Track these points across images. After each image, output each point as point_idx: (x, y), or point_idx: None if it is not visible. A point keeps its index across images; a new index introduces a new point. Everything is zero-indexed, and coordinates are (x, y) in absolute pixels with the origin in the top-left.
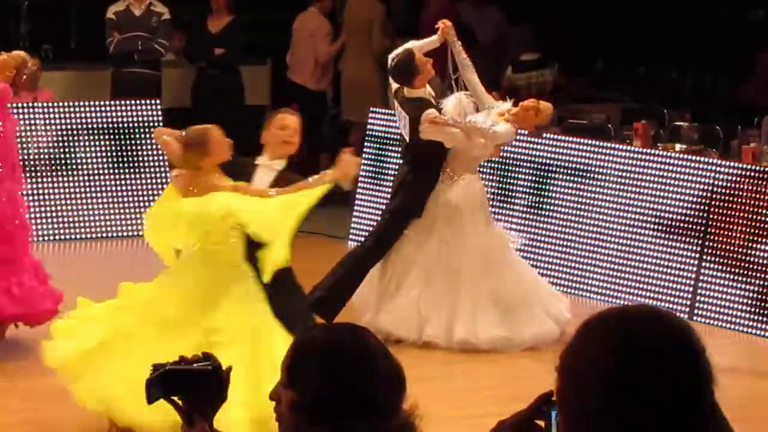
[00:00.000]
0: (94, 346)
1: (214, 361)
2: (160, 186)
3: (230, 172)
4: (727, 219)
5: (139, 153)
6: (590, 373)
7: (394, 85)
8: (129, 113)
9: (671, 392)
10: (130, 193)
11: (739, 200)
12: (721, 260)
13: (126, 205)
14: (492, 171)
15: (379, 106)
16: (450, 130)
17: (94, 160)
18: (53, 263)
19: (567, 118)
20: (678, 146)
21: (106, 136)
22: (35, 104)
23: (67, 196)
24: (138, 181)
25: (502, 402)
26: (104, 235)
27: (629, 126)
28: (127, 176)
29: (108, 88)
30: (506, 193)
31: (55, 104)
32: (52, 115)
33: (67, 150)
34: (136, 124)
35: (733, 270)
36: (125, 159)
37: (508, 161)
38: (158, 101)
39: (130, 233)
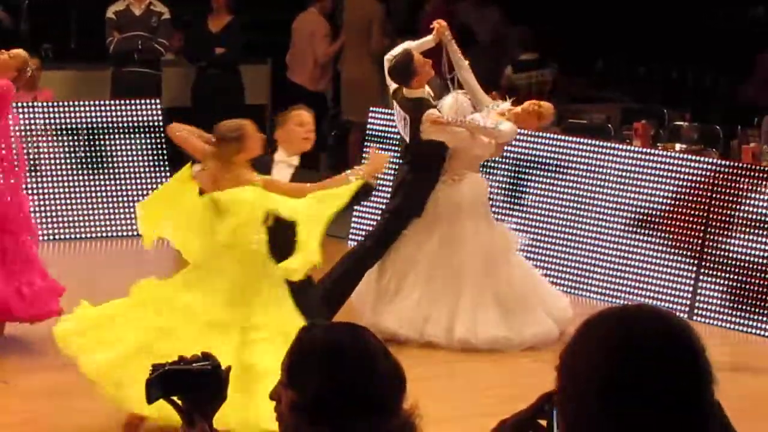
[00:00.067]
0: (133, 351)
1: (214, 361)
2: (160, 185)
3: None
4: (727, 219)
5: (139, 152)
6: (590, 373)
7: (393, 86)
8: (129, 113)
9: (671, 392)
10: (130, 193)
11: (739, 200)
12: (721, 260)
13: (126, 204)
14: (491, 171)
15: (379, 106)
16: (454, 130)
17: (94, 160)
18: (53, 263)
19: (567, 118)
20: (678, 146)
21: (106, 136)
22: (35, 104)
23: (67, 195)
24: (138, 181)
25: (503, 402)
26: (104, 234)
27: (629, 126)
28: (127, 176)
29: (108, 87)
30: (506, 192)
31: (55, 104)
32: (51, 115)
33: (66, 149)
34: (136, 124)
35: (733, 270)
36: (125, 158)
37: (508, 161)
38: (158, 101)
39: (130, 233)
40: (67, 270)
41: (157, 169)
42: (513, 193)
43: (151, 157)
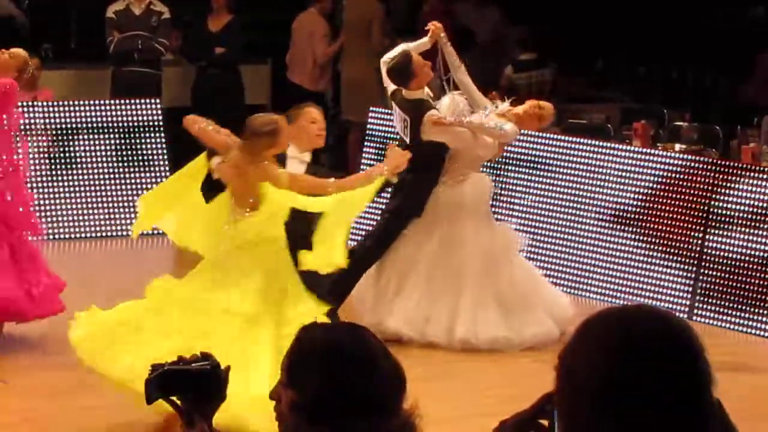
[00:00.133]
0: (169, 355)
1: (213, 361)
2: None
3: None
4: (727, 219)
5: (139, 152)
6: (589, 373)
7: (391, 87)
8: (129, 112)
9: (671, 392)
10: (129, 192)
11: (739, 200)
12: (721, 260)
13: (126, 204)
14: (491, 171)
15: (379, 106)
16: (457, 130)
17: (94, 160)
18: (52, 263)
19: (567, 118)
20: (677, 146)
21: (106, 136)
22: (35, 103)
23: (67, 195)
24: (138, 181)
25: (503, 402)
26: (104, 234)
27: (629, 126)
28: (127, 175)
29: (108, 87)
30: (505, 192)
31: (55, 103)
32: (51, 115)
33: (66, 149)
34: (135, 124)
35: (732, 270)
36: (125, 158)
37: (508, 161)
38: (158, 100)
39: (129, 233)
40: (67, 270)
41: (157, 169)
42: (513, 193)
43: (151, 157)
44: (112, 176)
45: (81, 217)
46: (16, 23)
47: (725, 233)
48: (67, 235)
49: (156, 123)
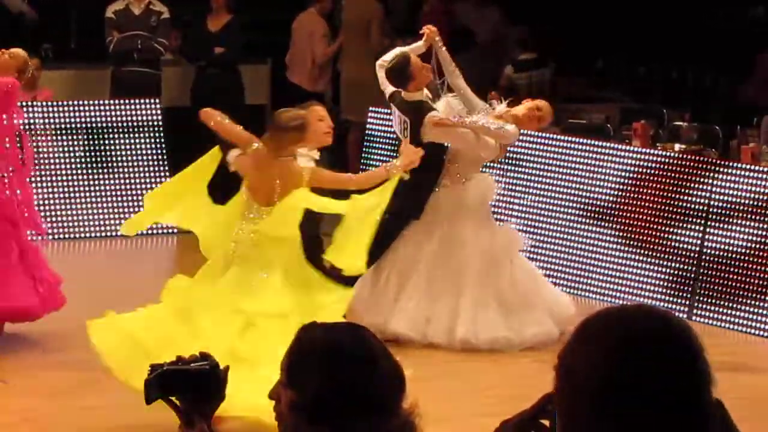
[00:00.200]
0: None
1: (212, 361)
2: (159, 185)
3: None
4: (727, 219)
5: (139, 152)
6: (589, 373)
7: (388, 89)
8: (128, 112)
9: (670, 392)
10: (129, 192)
11: (739, 200)
12: (720, 260)
13: (125, 204)
14: (491, 171)
15: (379, 106)
16: (460, 131)
17: (94, 159)
18: (52, 262)
19: (566, 118)
20: (677, 146)
21: (106, 135)
22: (34, 103)
23: (66, 195)
24: (137, 180)
25: (503, 402)
26: (103, 234)
27: (628, 126)
28: (127, 175)
29: (108, 87)
30: (505, 192)
31: (55, 103)
32: (51, 114)
33: (66, 149)
34: (135, 123)
35: (732, 270)
36: (125, 158)
37: (508, 161)
38: (158, 100)
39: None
40: (66, 270)
41: (156, 168)
42: (512, 193)
43: (150, 157)
44: (111, 176)
45: (81, 217)
46: (27, 20)
47: (725, 233)
48: (66, 235)
49: (155, 123)
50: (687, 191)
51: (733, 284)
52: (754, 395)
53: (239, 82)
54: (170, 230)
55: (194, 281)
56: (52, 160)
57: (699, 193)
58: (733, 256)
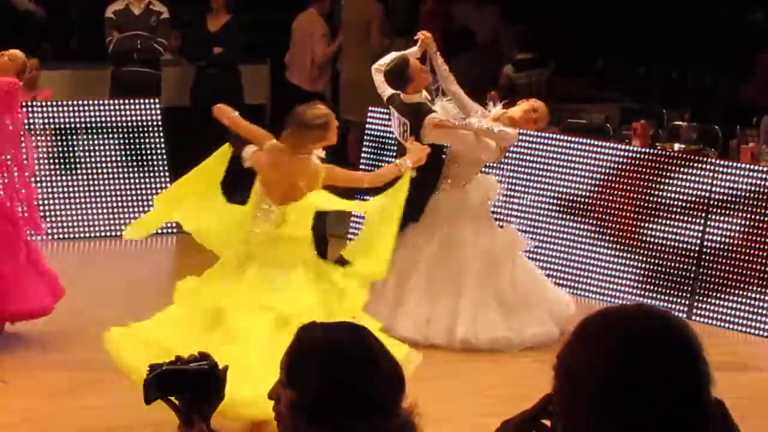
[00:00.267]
0: (253, 358)
1: (211, 361)
2: (159, 185)
3: None
4: (726, 219)
5: (139, 152)
6: (588, 373)
7: (386, 93)
8: (128, 112)
9: (670, 392)
10: (128, 192)
11: (738, 200)
12: (720, 260)
13: (125, 204)
14: (491, 171)
15: (378, 106)
16: (460, 133)
17: (93, 159)
18: (52, 262)
19: (567, 118)
20: (677, 146)
21: (105, 135)
22: (34, 103)
23: (66, 195)
24: (137, 180)
25: (503, 402)
26: (104, 234)
27: (628, 126)
28: (126, 175)
29: (107, 87)
30: (505, 192)
31: (54, 103)
32: (51, 115)
33: (66, 149)
34: (135, 123)
35: (732, 270)
36: (124, 158)
37: (507, 161)
38: (157, 100)
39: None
40: (66, 270)
41: (156, 168)
42: (512, 193)
43: (150, 157)
44: (111, 176)
45: (80, 217)
46: (36, 19)
47: (724, 233)
48: (66, 235)
49: (155, 123)
50: (687, 191)
51: (733, 284)
52: (754, 395)
53: (239, 82)
54: (170, 230)
55: (206, 281)
56: (52, 160)
57: (699, 192)
58: (733, 255)
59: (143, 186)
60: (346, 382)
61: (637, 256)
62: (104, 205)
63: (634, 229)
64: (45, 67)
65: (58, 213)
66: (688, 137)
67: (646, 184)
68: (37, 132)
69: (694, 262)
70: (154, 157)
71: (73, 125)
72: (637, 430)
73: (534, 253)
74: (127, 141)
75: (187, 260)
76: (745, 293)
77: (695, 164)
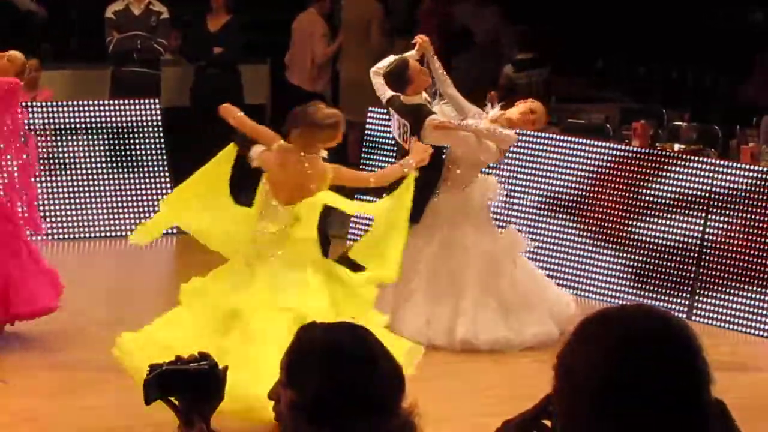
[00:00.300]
0: (271, 360)
1: (211, 361)
2: (158, 185)
3: None
4: (726, 219)
5: (138, 152)
6: (588, 373)
7: (386, 95)
8: (128, 112)
9: (670, 392)
10: (128, 193)
11: (738, 200)
12: (720, 260)
13: (124, 204)
14: (491, 171)
15: (378, 106)
16: (461, 134)
17: (93, 160)
18: (52, 263)
19: (566, 118)
20: (676, 146)
21: (105, 135)
22: (34, 103)
23: (65, 195)
24: (136, 181)
25: (503, 402)
26: (104, 234)
27: (628, 126)
28: (126, 175)
29: (107, 87)
30: (505, 192)
31: (54, 103)
32: (51, 115)
33: (65, 149)
34: (135, 123)
35: (731, 270)
36: (124, 158)
37: (507, 161)
38: (157, 100)
39: (129, 232)
40: (65, 270)
41: (156, 168)
42: (512, 193)
43: (150, 157)
44: (110, 176)
45: (79, 217)
46: (37, 19)
47: (724, 233)
48: (66, 235)
49: (155, 123)
50: (687, 191)
51: (733, 284)
52: (754, 395)
53: (239, 82)
54: (170, 230)
55: (213, 281)
56: (52, 160)
57: (699, 193)
58: (733, 255)
59: (143, 186)
60: (346, 382)
61: (637, 257)
62: (104, 205)
63: (633, 229)
64: (45, 67)
65: (58, 213)
66: (688, 137)
67: (646, 184)
68: (37, 132)
69: (694, 262)
70: (154, 157)
71: (73, 125)
72: (637, 430)
73: (534, 254)
74: (127, 141)
75: (188, 260)
76: (745, 293)
77: (695, 164)
